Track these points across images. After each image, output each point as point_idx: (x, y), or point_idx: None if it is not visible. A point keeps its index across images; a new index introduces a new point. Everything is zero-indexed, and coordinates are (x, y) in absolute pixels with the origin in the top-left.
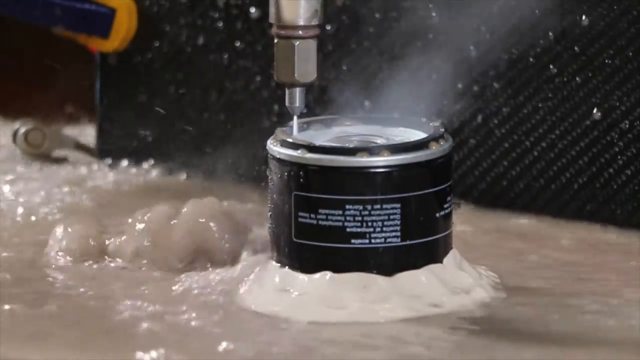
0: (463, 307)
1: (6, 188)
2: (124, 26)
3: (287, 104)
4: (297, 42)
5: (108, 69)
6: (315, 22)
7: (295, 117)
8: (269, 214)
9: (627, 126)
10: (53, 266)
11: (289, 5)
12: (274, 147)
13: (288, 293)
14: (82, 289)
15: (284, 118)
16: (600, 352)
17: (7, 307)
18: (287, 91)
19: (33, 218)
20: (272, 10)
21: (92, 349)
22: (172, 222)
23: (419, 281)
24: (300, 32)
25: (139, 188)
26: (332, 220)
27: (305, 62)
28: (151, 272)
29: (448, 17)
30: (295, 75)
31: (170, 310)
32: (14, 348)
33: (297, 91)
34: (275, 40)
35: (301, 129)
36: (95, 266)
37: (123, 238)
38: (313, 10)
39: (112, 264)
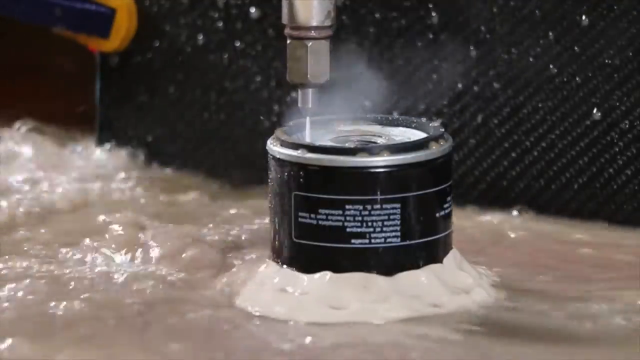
0: (463, 307)
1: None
2: (124, 26)
3: (299, 104)
4: (310, 43)
5: (108, 69)
6: (328, 22)
7: (307, 118)
8: (269, 214)
9: (627, 126)
10: None
11: (302, 6)
12: (273, 147)
13: (288, 293)
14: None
15: (284, 118)
16: (600, 352)
17: None
18: (299, 92)
19: None
20: (284, 11)
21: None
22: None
23: (419, 281)
24: (313, 32)
25: (137, 188)
26: (332, 220)
27: (317, 63)
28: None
29: (448, 17)
30: (308, 76)
31: (168, 310)
32: None
33: (310, 92)
34: (288, 41)
35: (301, 129)
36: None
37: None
38: (326, 11)
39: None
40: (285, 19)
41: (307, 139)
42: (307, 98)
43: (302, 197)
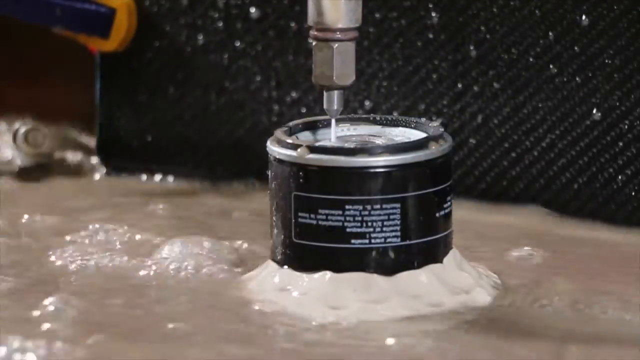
0: (463, 307)
1: None
2: (124, 26)
3: (325, 106)
4: (336, 45)
5: (108, 69)
6: (354, 24)
7: (333, 121)
8: (270, 213)
9: (627, 126)
10: None
11: (330, 8)
12: (273, 147)
13: (288, 293)
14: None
15: (284, 118)
16: (600, 352)
17: None
18: (325, 94)
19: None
20: (311, 12)
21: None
22: None
23: (419, 281)
24: (338, 34)
25: (138, 189)
26: (332, 221)
27: (343, 65)
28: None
29: (448, 17)
30: (334, 77)
31: (167, 309)
32: None
33: (335, 94)
34: (314, 43)
35: (301, 129)
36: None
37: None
38: (352, 12)
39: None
40: (310, 20)
41: (332, 140)
42: (333, 99)
43: (302, 197)
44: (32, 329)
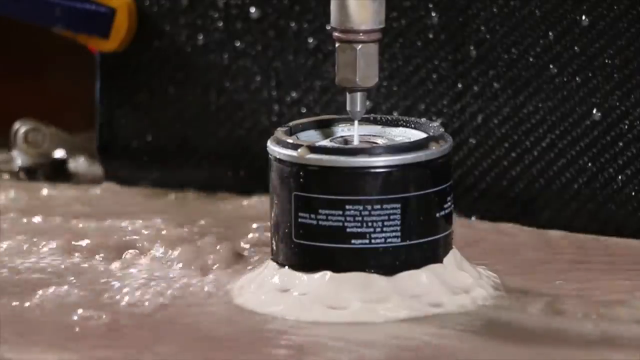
0: (463, 307)
1: None
2: (124, 26)
3: (348, 108)
4: (359, 46)
5: (108, 69)
6: (377, 26)
7: (356, 122)
8: (270, 214)
9: (627, 126)
10: None
11: (354, 10)
12: (274, 147)
13: (288, 293)
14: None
15: (284, 118)
16: (600, 352)
17: None
18: (348, 95)
19: None
20: (334, 14)
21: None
22: None
23: (419, 281)
24: (362, 36)
25: (138, 189)
26: (332, 221)
27: (366, 66)
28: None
29: (448, 16)
30: (357, 79)
31: (169, 309)
32: None
33: (358, 95)
34: (337, 45)
35: (301, 129)
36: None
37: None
38: (376, 14)
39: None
40: (334, 22)
41: (355, 142)
42: (356, 101)
43: (302, 197)
44: None
